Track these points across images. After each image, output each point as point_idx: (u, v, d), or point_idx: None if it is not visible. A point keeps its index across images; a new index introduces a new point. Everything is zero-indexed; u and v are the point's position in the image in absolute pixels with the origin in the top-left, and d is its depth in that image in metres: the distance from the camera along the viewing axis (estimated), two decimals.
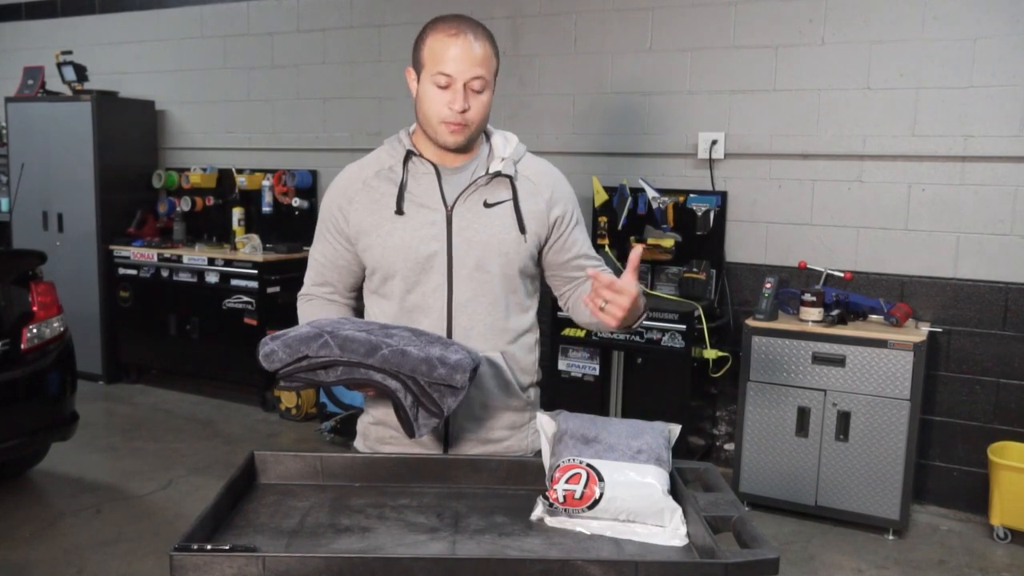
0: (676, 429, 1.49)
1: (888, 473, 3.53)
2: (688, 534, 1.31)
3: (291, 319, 1.69)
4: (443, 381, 1.42)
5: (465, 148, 1.68)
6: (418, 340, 1.47)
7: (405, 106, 4.90)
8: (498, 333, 1.70)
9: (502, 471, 1.53)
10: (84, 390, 4.84)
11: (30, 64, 5.92)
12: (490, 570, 1.16)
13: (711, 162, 4.20)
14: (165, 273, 5.45)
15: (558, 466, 1.38)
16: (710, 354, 3.92)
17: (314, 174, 5.41)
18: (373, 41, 5.14)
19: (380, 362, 1.42)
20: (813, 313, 3.70)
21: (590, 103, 4.52)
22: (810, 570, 3.32)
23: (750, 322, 3.76)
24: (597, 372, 4.08)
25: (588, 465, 1.36)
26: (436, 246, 1.66)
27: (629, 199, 4.23)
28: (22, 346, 3.67)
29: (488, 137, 1.75)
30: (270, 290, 5.12)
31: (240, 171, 5.61)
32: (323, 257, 1.78)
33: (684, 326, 3.83)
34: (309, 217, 5.26)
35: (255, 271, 5.11)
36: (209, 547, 1.17)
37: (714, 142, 4.17)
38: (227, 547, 1.18)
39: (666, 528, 1.32)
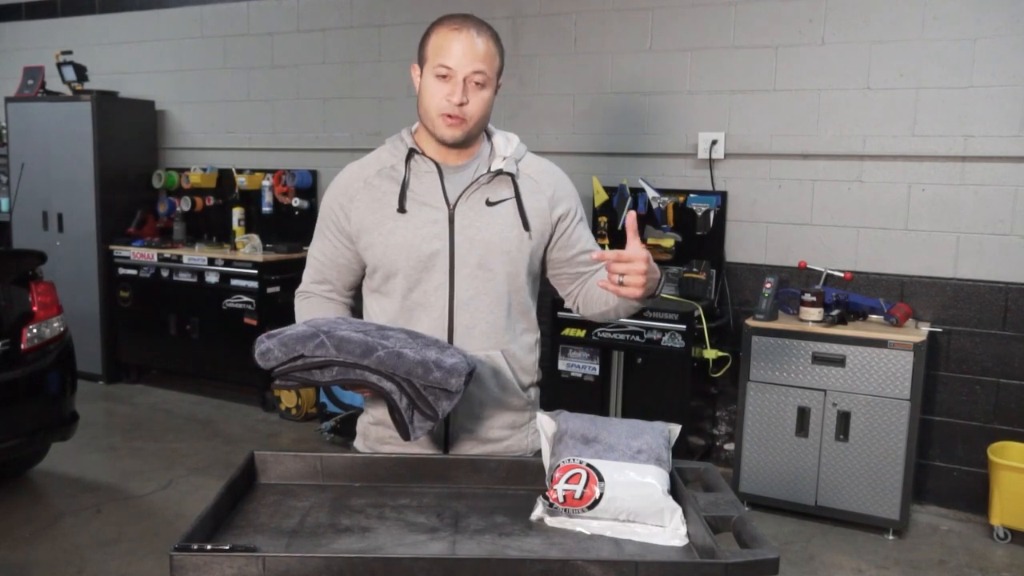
0: (676, 429, 1.49)
1: (888, 473, 3.53)
2: (688, 534, 1.31)
3: (291, 319, 1.68)
4: (438, 384, 1.41)
5: (464, 144, 1.68)
6: (414, 342, 1.47)
7: (405, 106, 4.90)
8: (499, 332, 1.70)
9: (502, 471, 1.53)
10: (84, 390, 4.84)
11: (30, 64, 5.92)
12: (490, 570, 1.16)
13: (711, 162, 4.20)
14: (165, 273, 5.44)
15: (558, 466, 1.38)
16: (710, 354, 3.92)
17: (314, 174, 5.41)
18: (373, 41, 5.14)
19: (376, 364, 1.42)
20: (813, 313, 3.70)
21: (590, 103, 4.52)
22: (810, 570, 3.32)
23: (750, 322, 3.76)
24: (597, 372, 4.09)
25: (588, 465, 1.36)
26: (438, 244, 1.66)
27: (629, 199, 4.23)
28: (22, 346, 3.67)
29: (490, 137, 1.75)
30: (270, 290, 5.12)
31: (240, 171, 5.61)
32: (322, 255, 1.77)
33: (684, 326, 3.84)
34: (309, 217, 5.25)
35: (255, 271, 5.11)
36: (209, 547, 1.17)
37: (714, 142, 4.17)
38: (227, 547, 1.18)
39: (666, 528, 1.32)
